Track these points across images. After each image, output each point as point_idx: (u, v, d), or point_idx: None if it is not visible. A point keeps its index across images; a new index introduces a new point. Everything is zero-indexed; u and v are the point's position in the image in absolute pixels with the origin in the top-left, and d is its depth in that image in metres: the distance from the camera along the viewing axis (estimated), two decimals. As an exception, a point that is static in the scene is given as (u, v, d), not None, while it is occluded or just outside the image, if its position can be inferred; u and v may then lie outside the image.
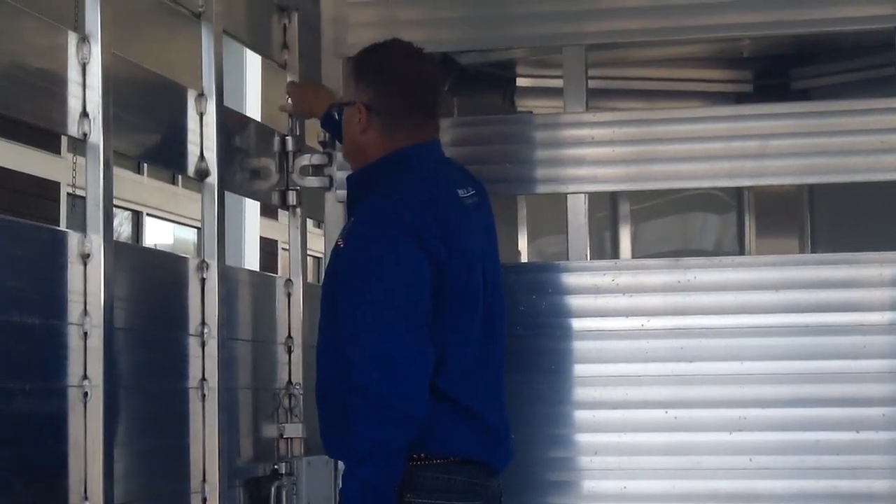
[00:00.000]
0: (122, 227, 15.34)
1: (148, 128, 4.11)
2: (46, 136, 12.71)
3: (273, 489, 4.53)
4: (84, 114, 3.64)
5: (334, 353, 3.67)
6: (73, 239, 3.62)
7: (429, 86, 3.89)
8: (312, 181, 4.67)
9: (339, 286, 3.66)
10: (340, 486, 3.56)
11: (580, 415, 4.32)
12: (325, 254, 4.69)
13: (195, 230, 16.15)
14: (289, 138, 4.74)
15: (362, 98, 3.82)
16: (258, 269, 14.19)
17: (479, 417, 3.72)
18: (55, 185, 13.38)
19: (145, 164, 14.91)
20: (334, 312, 3.67)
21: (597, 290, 4.35)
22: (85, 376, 3.60)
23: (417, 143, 3.83)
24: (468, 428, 3.69)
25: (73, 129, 3.63)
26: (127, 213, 15.48)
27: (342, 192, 4.59)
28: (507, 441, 3.83)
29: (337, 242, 3.72)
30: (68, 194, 13.09)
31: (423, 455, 3.61)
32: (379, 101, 3.81)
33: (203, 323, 4.23)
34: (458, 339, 3.68)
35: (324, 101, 4.40)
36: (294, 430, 4.70)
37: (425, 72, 3.89)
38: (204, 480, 4.21)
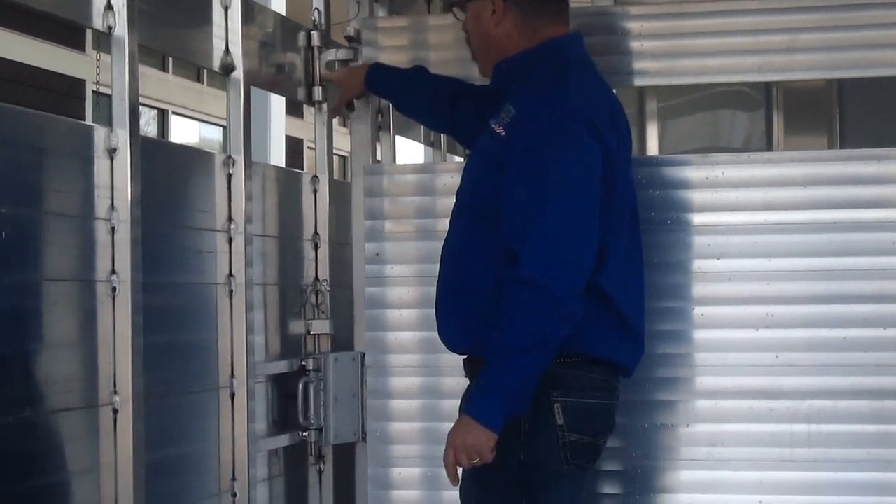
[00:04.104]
0: (148, 126, 15.33)
1: (173, 21, 4.09)
2: (71, 34, 12.66)
3: (300, 385, 4.55)
4: (109, 6, 3.62)
5: (483, 243, 3.62)
6: (100, 133, 3.61)
7: None
8: (339, 76, 4.64)
9: (509, 176, 3.54)
10: (489, 374, 3.47)
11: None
12: (350, 152, 4.68)
13: (220, 129, 16.13)
14: (314, 33, 4.70)
15: None
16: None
17: (627, 320, 3.70)
18: (81, 83, 13.35)
19: (170, 62, 14.87)
20: (489, 201, 3.59)
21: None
22: (113, 271, 3.61)
23: (566, 35, 3.74)
24: (617, 331, 3.68)
25: (98, 21, 3.62)
26: (153, 113, 15.46)
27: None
28: (643, 341, 3.80)
29: (495, 129, 3.62)
30: (93, 92, 13.07)
31: (568, 353, 3.56)
32: None
33: (230, 219, 4.24)
34: (617, 237, 3.64)
35: (359, 75, 4.39)
36: (321, 326, 4.72)
37: None
38: (232, 376, 4.24)
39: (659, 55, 4.37)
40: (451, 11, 3.94)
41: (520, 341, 3.44)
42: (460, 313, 3.71)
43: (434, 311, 3.80)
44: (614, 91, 4.37)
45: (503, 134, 3.58)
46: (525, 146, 3.53)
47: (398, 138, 5.60)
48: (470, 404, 3.51)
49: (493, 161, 3.60)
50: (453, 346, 3.80)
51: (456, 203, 3.78)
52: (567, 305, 3.46)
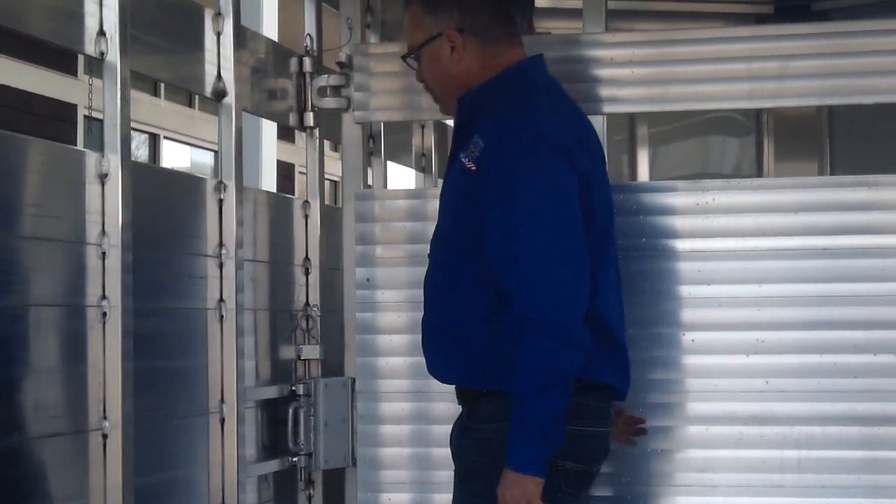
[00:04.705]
0: (140, 150, 15.32)
1: (165, 47, 4.10)
2: (63, 58, 12.67)
3: (290, 410, 4.55)
4: (101, 32, 3.63)
5: (467, 276, 3.56)
6: (91, 159, 3.61)
7: None
8: (330, 102, 4.66)
9: (485, 210, 3.48)
10: (516, 422, 3.39)
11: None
12: (341, 177, 4.68)
13: (212, 154, 16.14)
14: (306, 59, 4.71)
15: (448, 24, 3.63)
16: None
17: (619, 344, 3.67)
18: (72, 108, 13.34)
19: (162, 87, 14.88)
20: (470, 234, 3.52)
21: (615, 212, 4.33)
22: (103, 296, 3.61)
23: (528, 58, 3.68)
24: (614, 356, 3.65)
25: (90, 48, 3.62)
26: (144, 137, 15.46)
27: (360, 114, 4.58)
28: (629, 364, 3.76)
29: (466, 164, 3.54)
30: (85, 117, 13.07)
31: None
32: (468, 18, 3.62)
33: (221, 244, 4.24)
34: (600, 261, 3.59)
35: None
36: (311, 351, 4.71)
37: None
38: (222, 401, 4.23)
39: (650, 82, 4.38)
40: (405, 62, 3.81)
41: (538, 382, 3.37)
42: (449, 348, 3.66)
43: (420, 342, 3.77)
44: (602, 114, 4.40)
45: (474, 168, 3.51)
46: (496, 176, 3.47)
47: (389, 164, 5.62)
48: (509, 457, 3.42)
49: (468, 195, 3.54)
50: (446, 380, 3.77)
51: (436, 235, 3.72)
52: (573, 333, 3.40)
